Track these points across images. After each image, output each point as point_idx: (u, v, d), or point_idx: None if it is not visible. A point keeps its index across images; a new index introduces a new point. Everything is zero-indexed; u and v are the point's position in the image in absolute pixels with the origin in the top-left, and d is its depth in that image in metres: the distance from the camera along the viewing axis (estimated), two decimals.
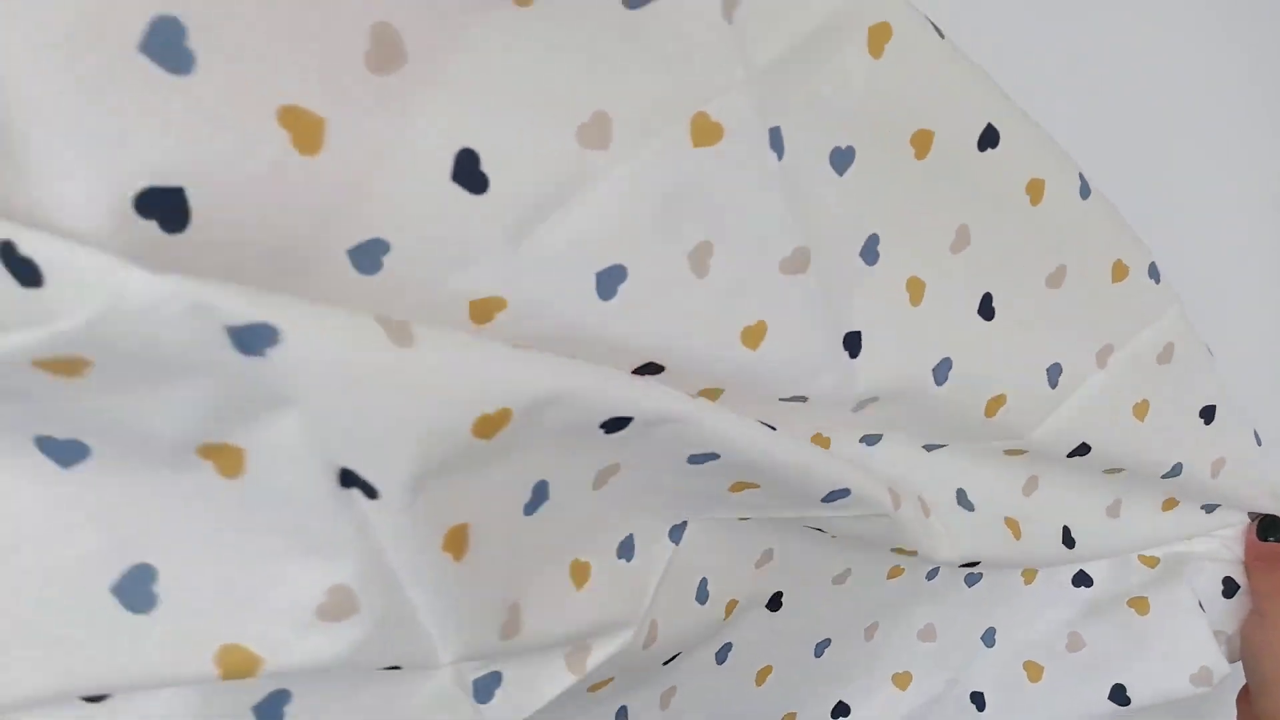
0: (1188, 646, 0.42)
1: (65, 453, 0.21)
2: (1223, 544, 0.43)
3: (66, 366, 0.19)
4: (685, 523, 0.33)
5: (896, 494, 0.34)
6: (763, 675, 0.41)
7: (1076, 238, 0.33)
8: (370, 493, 0.22)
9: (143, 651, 0.22)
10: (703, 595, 0.35)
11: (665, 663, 0.36)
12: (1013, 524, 0.39)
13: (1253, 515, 0.43)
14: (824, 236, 0.29)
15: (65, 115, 0.18)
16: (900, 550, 0.36)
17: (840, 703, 0.44)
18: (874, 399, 0.32)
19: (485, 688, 0.27)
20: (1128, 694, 0.43)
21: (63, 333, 0.18)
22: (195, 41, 0.19)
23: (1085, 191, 0.33)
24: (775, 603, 0.39)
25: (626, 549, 0.31)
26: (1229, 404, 0.40)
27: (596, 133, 0.25)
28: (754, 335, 0.29)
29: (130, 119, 0.19)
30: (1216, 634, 0.42)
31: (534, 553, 0.28)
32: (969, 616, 0.44)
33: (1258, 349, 0.52)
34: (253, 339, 0.20)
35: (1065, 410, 0.36)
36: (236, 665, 0.23)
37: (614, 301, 0.26)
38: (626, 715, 0.36)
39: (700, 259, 0.27)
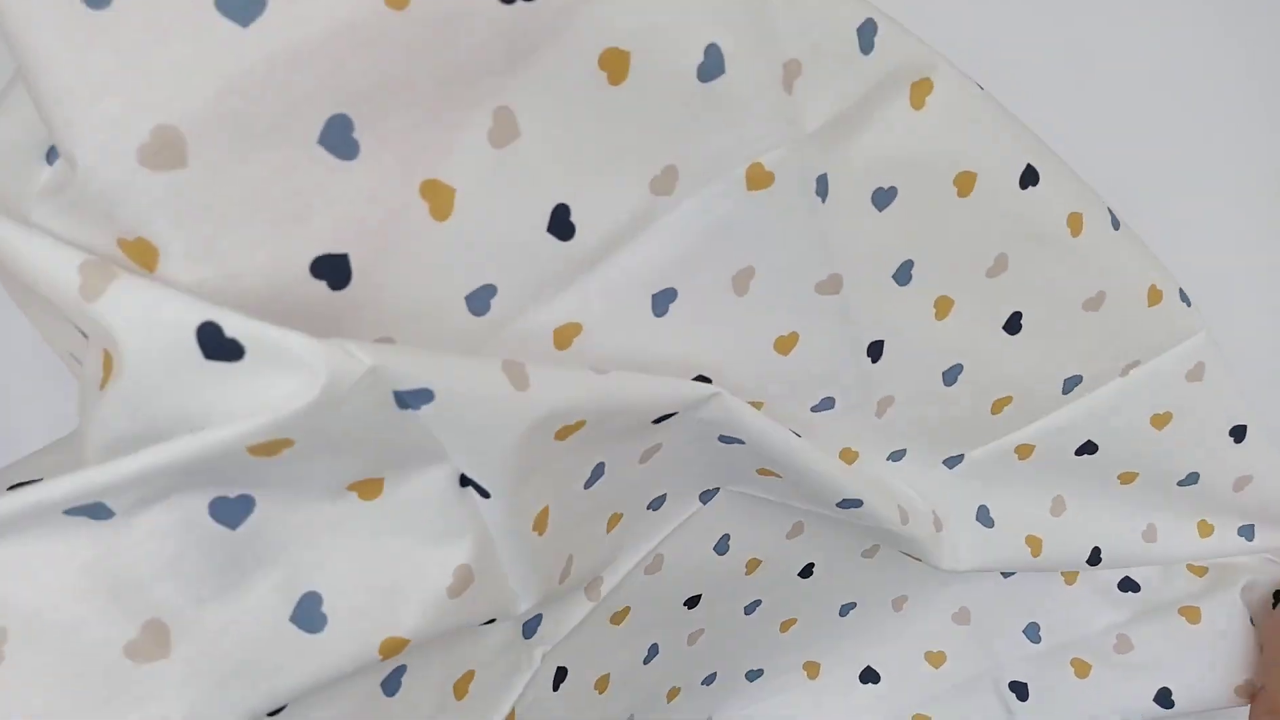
0: (1236, 659, 0.43)
1: (235, 511, 0.24)
2: (1274, 559, 0.44)
3: (271, 448, 0.22)
4: (717, 489, 0.37)
5: (905, 511, 0.38)
6: (787, 625, 0.45)
7: (1114, 265, 0.37)
8: (484, 494, 0.26)
9: (322, 664, 0.25)
10: (722, 548, 0.39)
11: (689, 605, 0.40)
12: (1034, 541, 0.42)
13: None
14: (859, 262, 0.33)
15: (260, 197, 0.22)
16: (907, 555, 0.41)
17: (869, 668, 0.47)
18: (890, 399, 0.37)
19: (530, 626, 0.33)
20: (1172, 698, 0.44)
21: (281, 420, 0.21)
22: (359, 133, 0.23)
23: (1116, 224, 0.36)
24: (808, 571, 0.43)
25: (657, 503, 0.36)
26: (1257, 422, 0.41)
27: (665, 182, 0.29)
28: (786, 344, 0.34)
29: (309, 199, 0.22)
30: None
31: (587, 514, 0.33)
32: (1007, 607, 0.46)
33: (1258, 348, 0.51)
34: (413, 399, 0.23)
35: (1072, 408, 0.39)
36: (391, 650, 0.26)
37: (666, 318, 0.31)
38: (658, 650, 0.41)
39: (742, 281, 0.32)
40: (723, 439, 0.34)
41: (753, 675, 0.47)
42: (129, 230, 0.21)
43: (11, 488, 0.24)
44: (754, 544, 0.41)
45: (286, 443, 0.22)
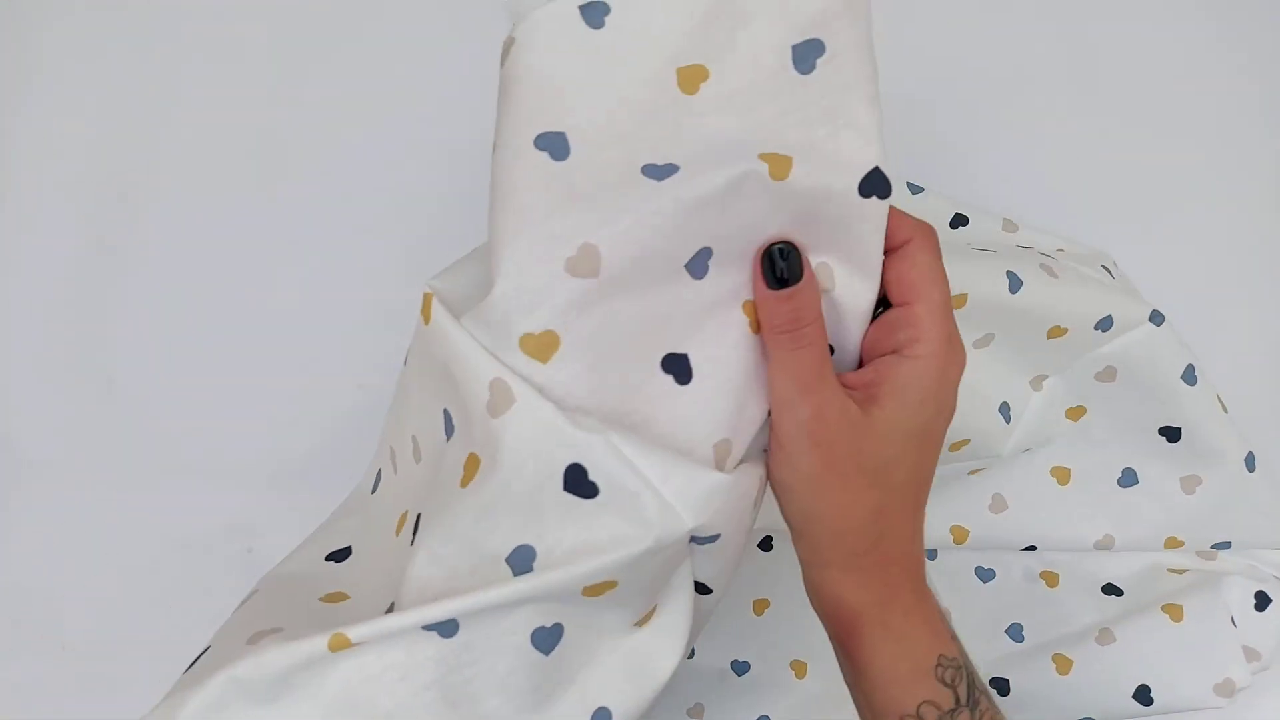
0: (1215, 657, 0.44)
1: (550, 638, 0.27)
2: (1256, 561, 0.45)
3: (600, 589, 0.26)
4: None
5: None
6: (760, 606, 0.48)
7: (1003, 317, 0.42)
8: (705, 590, 0.31)
9: None
10: None
11: None
12: (958, 531, 0.46)
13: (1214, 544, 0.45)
14: None
15: (636, 303, 0.27)
16: None
17: None
18: None
19: None
20: (1151, 695, 0.45)
21: (611, 564, 0.25)
22: (713, 261, 0.28)
23: (1015, 287, 0.41)
24: (767, 544, 0.47)
25: None
26: (1217, 431, 0.44)
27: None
28: None
29: (669, 308, 0.28)
30: (1247, 650, 0.44)
31: None
32: (988, 608, 0.48)
33: (1257, 348, 0.52)
34: (701, 541, 0.28)
35: (1018, 433, 0.45)
36: None
37: None
38: None
39: None
40: None
41: (740, 668, 0.48)
42: (540, 324, 0.26)
43: (327, 556, 0.32)
44: None
45: (611, 584, 0.26)
